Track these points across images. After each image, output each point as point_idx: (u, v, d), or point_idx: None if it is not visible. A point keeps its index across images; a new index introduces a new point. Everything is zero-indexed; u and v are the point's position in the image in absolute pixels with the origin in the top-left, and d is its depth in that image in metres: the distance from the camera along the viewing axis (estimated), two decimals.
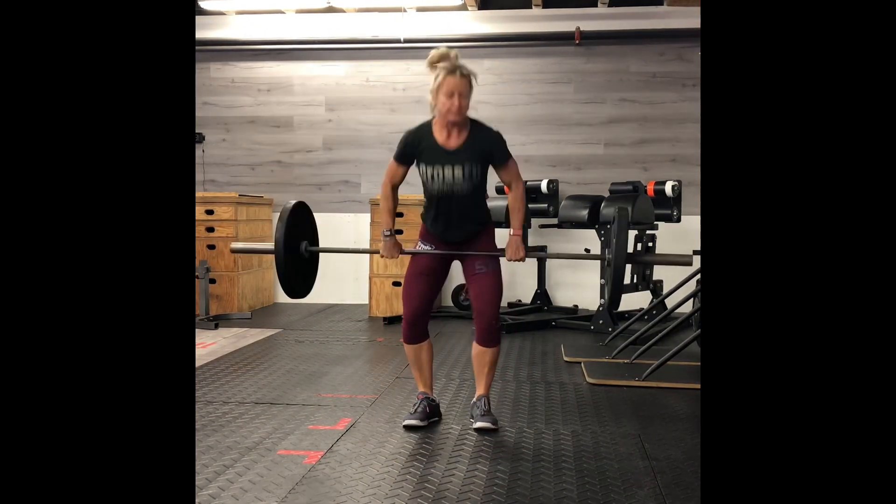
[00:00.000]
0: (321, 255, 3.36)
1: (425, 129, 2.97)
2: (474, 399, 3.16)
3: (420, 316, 3.08)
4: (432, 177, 2.93)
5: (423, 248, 3.08)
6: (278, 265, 3.06)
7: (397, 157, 3.01)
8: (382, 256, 3.10)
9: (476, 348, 3.10)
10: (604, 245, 5.60)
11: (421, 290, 3.06)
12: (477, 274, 3.03)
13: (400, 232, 6.08)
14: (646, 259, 3.32)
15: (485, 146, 2.93)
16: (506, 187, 3.11)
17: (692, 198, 6.31)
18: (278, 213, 3.12)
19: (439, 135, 2.93)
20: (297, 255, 3.15)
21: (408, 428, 3.04)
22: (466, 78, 2.84)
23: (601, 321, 5.47)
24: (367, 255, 6.31)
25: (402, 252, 3.09)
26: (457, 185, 2.92)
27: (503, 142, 2.98)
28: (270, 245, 3.13)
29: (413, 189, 3.49)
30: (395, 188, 3.06)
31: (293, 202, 3.18)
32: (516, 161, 3.03)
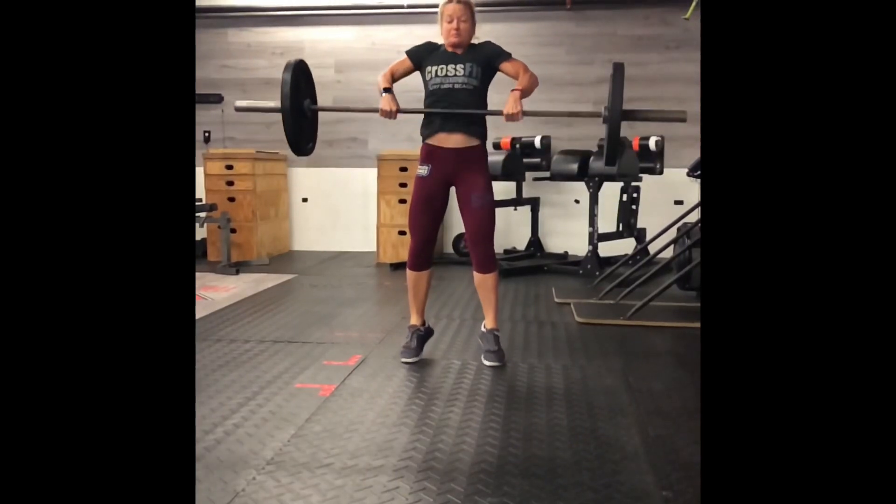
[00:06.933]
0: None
1: (441, 44, 3.03)
2: (483, 330, 3.17)
3: (425, 244, 3.10)
4: (435, 73, 2.97)
5: (421, 170, 3.06)
6: (285, 123, 2.91)
7: (409, 51, 3.05)
8: (381, 113, 3.00)
9: (476, 277, 3.12)
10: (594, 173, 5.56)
11: (425, 221, 3.07)
12: (472, 207, 3.03)
13: (405, 186, 6.04)
14: (640, 116, 3.13)
15: (486, 52, 2.99)
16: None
17: (674, 152, 6.24)
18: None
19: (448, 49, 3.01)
20: (301, 114, 2.99)
21: (405, 363, 3.07)
22: (462, 3, 2.91)
23: (589, 266, 5.48)
24: (376, 210, 6.24)
25: (400, 111, 2.99)
26: (457, 80, 2.94)
27: (503, 49, 3.01)
28: (276, 103, 2.95)
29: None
30: (393, 75, 3.05)
31: (294, 60, 2.98)
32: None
